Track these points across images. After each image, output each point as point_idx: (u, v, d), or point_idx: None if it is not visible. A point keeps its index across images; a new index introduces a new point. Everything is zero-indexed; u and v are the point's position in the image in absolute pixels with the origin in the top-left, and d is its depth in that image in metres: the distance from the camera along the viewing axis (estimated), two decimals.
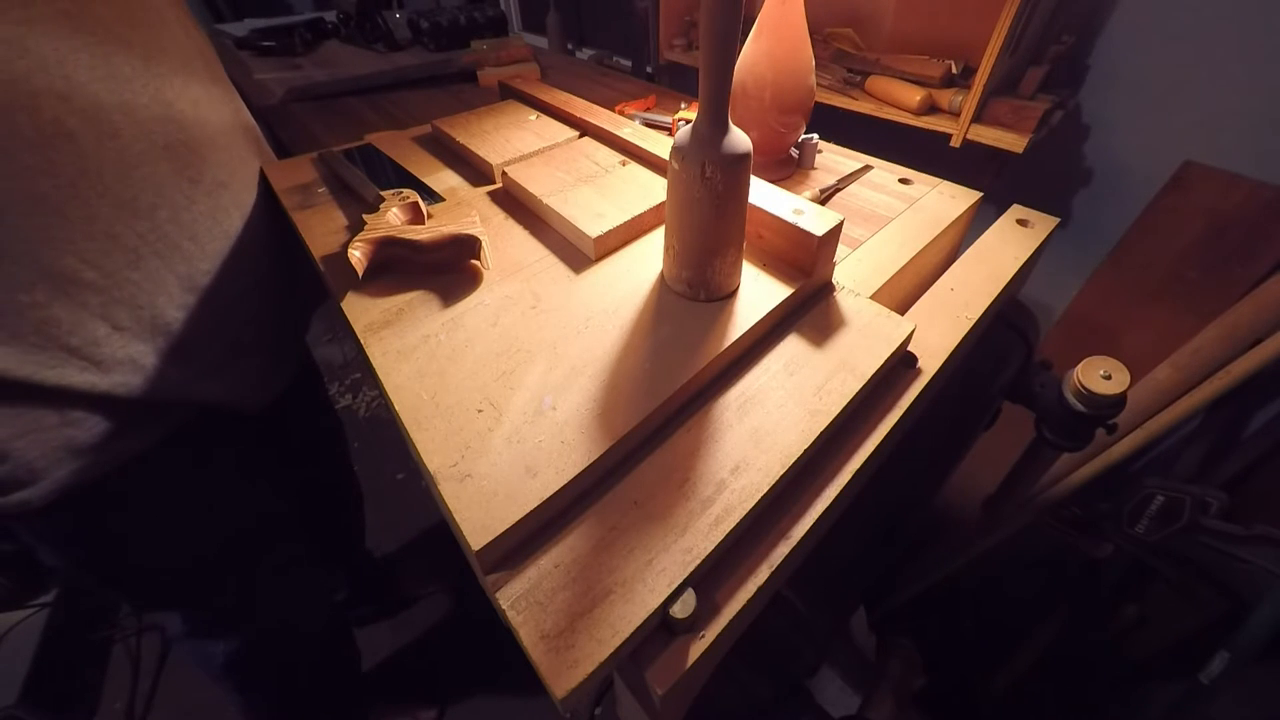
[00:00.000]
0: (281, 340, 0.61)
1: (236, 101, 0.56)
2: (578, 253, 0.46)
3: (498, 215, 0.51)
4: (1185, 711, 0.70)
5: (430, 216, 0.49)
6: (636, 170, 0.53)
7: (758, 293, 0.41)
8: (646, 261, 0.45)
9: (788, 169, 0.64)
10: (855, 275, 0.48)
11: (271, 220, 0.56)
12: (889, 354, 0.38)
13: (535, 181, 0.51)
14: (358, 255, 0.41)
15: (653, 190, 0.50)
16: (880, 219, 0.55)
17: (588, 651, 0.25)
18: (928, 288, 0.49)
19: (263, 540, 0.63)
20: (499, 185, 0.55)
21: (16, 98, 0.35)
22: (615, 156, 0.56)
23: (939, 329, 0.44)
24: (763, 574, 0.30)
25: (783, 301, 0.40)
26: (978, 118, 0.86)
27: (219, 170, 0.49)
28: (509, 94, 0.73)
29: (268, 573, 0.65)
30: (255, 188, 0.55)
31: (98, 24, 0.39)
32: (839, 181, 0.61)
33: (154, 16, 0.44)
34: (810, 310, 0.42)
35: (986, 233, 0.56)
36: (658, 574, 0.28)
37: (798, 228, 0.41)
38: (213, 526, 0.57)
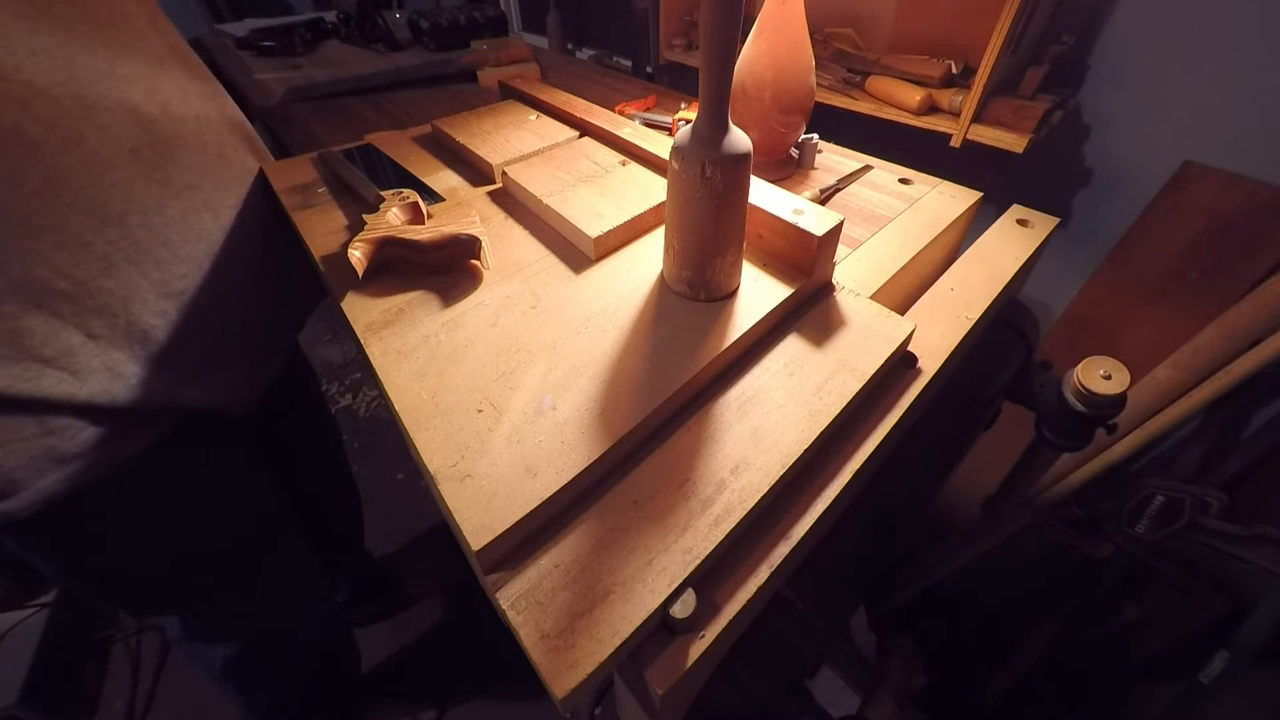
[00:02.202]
0: (271, 341, 0.60)
1: (220, 98, 0.54)
2: (577, 253, 0.46)
3: (498, 215, 0.51)
4: (1185, 711, 0.70)
5: (430, 216, 0.48)
6: (636, 170, 0.53)
7: (758, 293, 0.41)
8: (646, 261, 0.45)
9: (788, 169, 0.64)
10: (855, 275, 0.48)
11: (259, 219, 0.55)
12: (889, 354, 0.38)
13: (535, 181, 0.51)
14: (358, 255, 0.41)
15: (653, 190, 0.50)
16: (880, 219, 0.55)
17: (588, 651, 0.25)
18: (928, 288, 0.49)
19: (261, 542, 0.63)
20: (499, 185, 0.55)
21: None
22: (615, 156, 0.56)
23: (939, 329, 0.44)
24: (763, 574, 0.30)
25: (783, 301, 0.40)
26: (978, 118, 0.86)
27: (188, 172, 0.47)
28: (509, 94, 0.73)
29: (267, 574, 0.64)
30: (233, 186, 0.53)
31: (58, 25, 0.38)
32: (839, 181, 0.61)
33: (118, 16, 0.43)
34: (810, 310, 0.42)
35: (986, 233, 0.56)
36: (658, 574, 0.28)
37: (798, 228, 0.41)
38: (209, 530, 0.57)
